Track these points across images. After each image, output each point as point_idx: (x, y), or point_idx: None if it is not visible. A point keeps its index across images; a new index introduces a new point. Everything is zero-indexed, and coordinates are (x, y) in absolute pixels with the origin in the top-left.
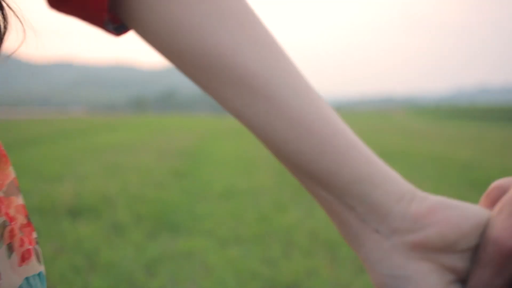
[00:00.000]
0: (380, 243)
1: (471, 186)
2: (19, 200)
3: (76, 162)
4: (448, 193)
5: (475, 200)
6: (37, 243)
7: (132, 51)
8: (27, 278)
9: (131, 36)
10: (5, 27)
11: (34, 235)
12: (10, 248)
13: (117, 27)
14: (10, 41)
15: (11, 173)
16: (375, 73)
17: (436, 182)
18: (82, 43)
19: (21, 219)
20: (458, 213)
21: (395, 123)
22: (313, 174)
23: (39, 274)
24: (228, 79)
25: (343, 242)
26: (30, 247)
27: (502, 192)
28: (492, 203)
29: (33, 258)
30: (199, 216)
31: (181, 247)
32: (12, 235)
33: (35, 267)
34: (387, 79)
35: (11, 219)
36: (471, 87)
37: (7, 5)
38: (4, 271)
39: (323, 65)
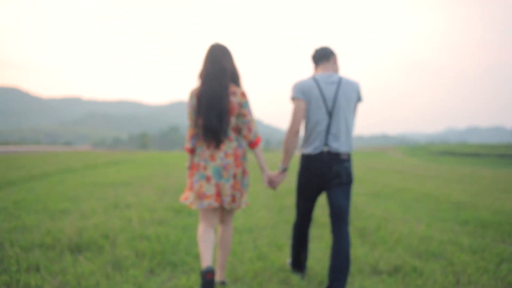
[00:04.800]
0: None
1: (462, 225)
2: None
3: (80, 198)
4: (440, 231)
5: (467, 240)
6: None
7: (138, 86)
8: None
9: (137, 72)
10: None
11: None
12: None
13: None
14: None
15: None
16: (371, 113)
17: (428, 220)
18: (90, 79)
19: None
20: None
21: (389, 160)
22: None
23: None
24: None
25: None
26: None
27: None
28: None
29: None
30: (198, 254)
31: (180, 285)
32: None
33: None
34: (382, 118)
35: None
36: (461, 127)
37: None
38: None
39: None
